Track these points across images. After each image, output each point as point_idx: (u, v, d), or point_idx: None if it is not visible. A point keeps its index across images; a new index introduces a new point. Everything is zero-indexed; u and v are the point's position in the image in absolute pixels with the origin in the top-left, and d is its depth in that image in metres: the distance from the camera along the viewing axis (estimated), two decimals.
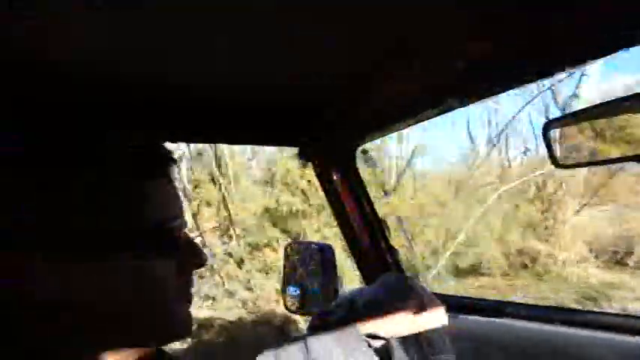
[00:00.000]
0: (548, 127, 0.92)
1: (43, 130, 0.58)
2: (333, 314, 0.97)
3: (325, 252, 1.20)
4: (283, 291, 1.19)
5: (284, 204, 7.65)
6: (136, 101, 1.01)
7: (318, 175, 1.45)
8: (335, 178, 1.43)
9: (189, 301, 0.67)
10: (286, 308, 1.16)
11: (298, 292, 1.15)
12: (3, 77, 0.80)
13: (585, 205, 9.18)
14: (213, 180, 8.62)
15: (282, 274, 1.23)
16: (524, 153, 11.05)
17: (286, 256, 1.22)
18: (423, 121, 1.11)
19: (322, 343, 0.88)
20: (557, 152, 0.94)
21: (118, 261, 0.57)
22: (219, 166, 8.48)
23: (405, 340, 1.07)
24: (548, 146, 0.92)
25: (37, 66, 0.79)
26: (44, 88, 0.86)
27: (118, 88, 0.94)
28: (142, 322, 0.61)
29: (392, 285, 0.98)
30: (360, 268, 1.51)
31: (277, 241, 7.78)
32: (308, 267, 1.18)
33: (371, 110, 1.18)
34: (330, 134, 1.35)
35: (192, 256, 0.66)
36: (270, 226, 7.94)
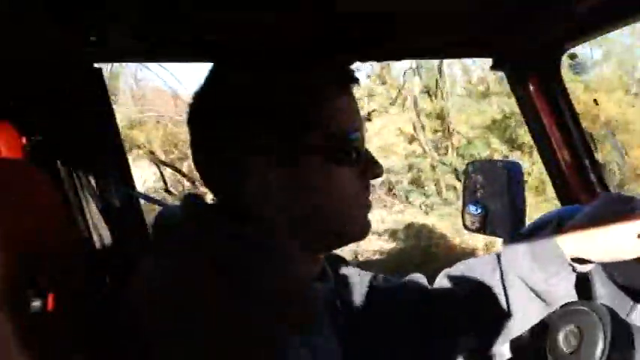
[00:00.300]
0: None
1: None
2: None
3: (512, 170, 1.12)
4: (463, 209, 1.15)
5: (510, 115, 7.15)
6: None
7: (513, 87, 1.32)
8: (532, 89, 1.29)
9: (369, 207, 0.73)
10: (465, 227, 1.13)
11: (480, 211, 1.11)
12: None
13: None
14: (428, 92, 8.47)
15: (462, 192, 1.19)
16: None
17: (467, 174, 1.17)
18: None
19: (517, 255, 0.84)
20: None
21: (311, 165, 0.65)
22: (437, 78, 8.24)
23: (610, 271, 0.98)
24: None
25: None
26: None
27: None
28: (330, 223, 0.69)
29: (613, 203, 0.87)
30: (556, 188, 1.38)
31: (501, 153, 7.46)
32: (492, 186, 1.11)
33: (580, 8, 1.03)
34: (528, 38, 1.21)
35: (371, 167, 0.72)
36: (493, 137, 7.60)
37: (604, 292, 1.01)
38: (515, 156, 6.79)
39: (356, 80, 0.71)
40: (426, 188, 8.01)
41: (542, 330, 1.00)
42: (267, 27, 0.89)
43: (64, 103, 0.93)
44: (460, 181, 6.05)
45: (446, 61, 8.04)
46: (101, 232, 0.87)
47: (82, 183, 0.87)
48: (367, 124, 7.70)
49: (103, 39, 0.92)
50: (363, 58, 1.13)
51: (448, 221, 7.10)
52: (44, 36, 0.84)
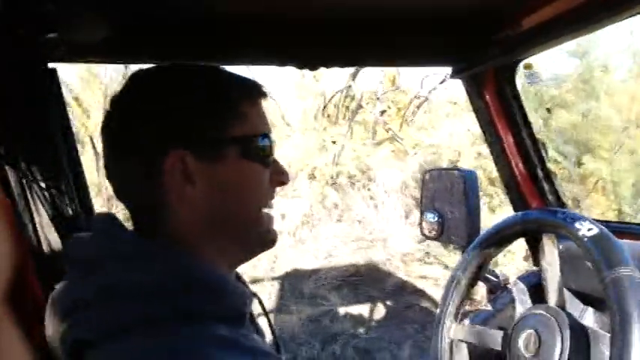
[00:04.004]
0: None
1: None
2: None
3: (468, 178, 1.15)
4: (421, 217, 1.17)
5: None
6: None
7: (470, 96, 1.35)
8: (488, 98, 1.32)
9: (272, 217, 0.76)
10: (423, 234, 1.15)
11: (437, 219, 1.13)
12: None
13: None
14: None
15: (420, 201, 1.21)
16: None
17: (424, 183, 1.19)
18: (597, 30, 1.03)
19: None
20: None
21: (228, 158, 0.69)
22: None
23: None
24: None
25: None
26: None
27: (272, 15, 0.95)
28: (242, 223, 0.71)
29: None
30: (510, 195, 1.42)
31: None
32: (449, 194, 1.14)
33: (535, 21, 1.07)
34: (485, 49, 1.24)
35: (279, 174, 0.76)
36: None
37: (557, 296, 1.04)
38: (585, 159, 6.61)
39: (264, 94, 0.75)
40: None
41: (502, 336, 1.03)
42: None
43: (14, 104, 0.90)
44: None
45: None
46: (51, 241, 0.84)
47: (32, 189, 0.84)
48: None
49: (58, 38, 0.89)
50: (325, 64, 1.13)
51: None
52: None
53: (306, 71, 1.16)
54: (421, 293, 5.32)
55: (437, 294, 5.30)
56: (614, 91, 5.97)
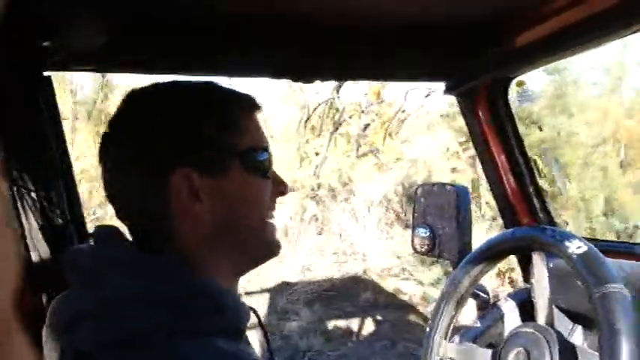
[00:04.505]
0: None
1: None
2: None
3: (460, 194, 1.15)
4: (413, 231, 1.17)
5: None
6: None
7: (463, 112, 1.36)
8: (481, 114, 1.33)
9: (275, 226, 0.77)
10: (414, 249, 1.15)
11: (428, 234, 1.13)
12: None
13: None
14: None
15: (412, 216, 1.21)
16: None
17: (416, 197, 1.19)
18: (592, 49, 1.04)
19: None
20: None
21: (230, 173, 0.69)
22: None
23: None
24: None
25: None
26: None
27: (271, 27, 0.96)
28: (247, 233, 0.72)
29: None
30: (501, 211, 1.43)
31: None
32: (441, 209, 1.14)
33: (529, 38, 1.08)
34: (479, 66, 1.25)
35: (279, 185, 0.77)
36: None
37: (546, 314, 1.05)
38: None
39: (259, 107, 0.76)
40: None
41: (492, 354, 1.03)
42: None
43: (8, 111, 0.90)
44: None
45: None
46: (40, 250, 0.83)
47: (22, 197, 0.84)
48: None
49: (54, 46, 0.89)
50: (320, 77, 1.14)
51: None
52: None
53: (292, 83, 1.17)
54: (394, 309, 5.29)
55: (409, 310, 5.28)
56: (586, 107, 6.04)
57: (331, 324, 5.03)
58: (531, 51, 1.12)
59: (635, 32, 0.92)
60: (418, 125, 7.64)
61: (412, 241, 1.17)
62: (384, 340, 4.75)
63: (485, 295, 1.18)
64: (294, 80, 1.11)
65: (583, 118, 5.86)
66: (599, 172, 5.61)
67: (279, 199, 0.79)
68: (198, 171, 0.67)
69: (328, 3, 0.92)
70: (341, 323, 5.05)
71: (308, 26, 1.01)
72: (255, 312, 0.79)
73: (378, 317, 5.13)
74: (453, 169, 6.36)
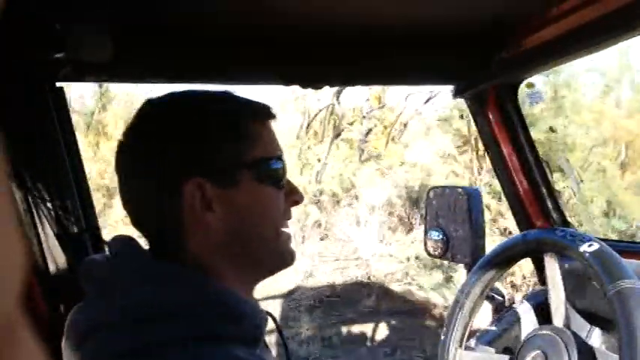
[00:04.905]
0: None
1: None
2: None
3: (473, 196, 1.15)
4: (425, 235, 1.17)
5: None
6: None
7: (473, 115, 1.36)
8: (491, 116, 1.33)
9: (289, 235, 0.77)
10: (427, 253, 1.15)
11: (441, 237, 1.13)
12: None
13: None
14: (462, 116, 8.05)
15: (424, 219, 1.21)
16: None
17: (428, 200, 1.19)
18: (598, 51, 1.04)
19: None
20: None
21: (243, 183, 0.69)
22: None
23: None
24: None
25: None
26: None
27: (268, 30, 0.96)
28: (262, 244, 0.72)
29: None
30: (514, 213, 1.42)
31: None
32: (454, 212, 1.14)
33: (536, 42, 1.08)
34: (488, 69, 1.25)
35: (293, 193, 0.76)
36: None
37: (563, 316, 1.04)
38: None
39: (273, 116, 0.76)
40: None
41: (509, 359, 1.02)
42: None
43: (22, 122, 0.91)
44: (495, 198, 5.92)
45: None
46: (56, 259, 0.84)
47: (37, 206, 0.85)
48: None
49: (66, 58, 0.90)
50: (328, 83, 1.14)
51: None
52: (2, 52, 0.82)
53: (296, 89, 1.18)
54: (396, 314, 5.26)
55: (411, 315, 5.24)
56: (580, 109, 6.00)
57: (333, 330, 5.00)
58: (538, 54, 1.13)
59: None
60: (417, 130, 7.65)
61: (425, 244, 1.17)
62: (385, 346, 4.72)
63: (500, 298, 1.17)
64: (304, 87, 1.11)
65: (579, 120, 5.84)
66: (599, 173, 5.59)
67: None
68: (210, 181, 0.67)
69: (340, 9, 0.92)
70: (342, 329, 5.03)
71: (318, 33, 1.02)
72: (272, 317, 0.79)
73: (380, 323, 5.10)
74: (449, 174, 6.34)
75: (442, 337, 1.14)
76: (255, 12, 0.93)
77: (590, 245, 0.91)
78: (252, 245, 0.72)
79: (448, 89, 1.31)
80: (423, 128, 7.57)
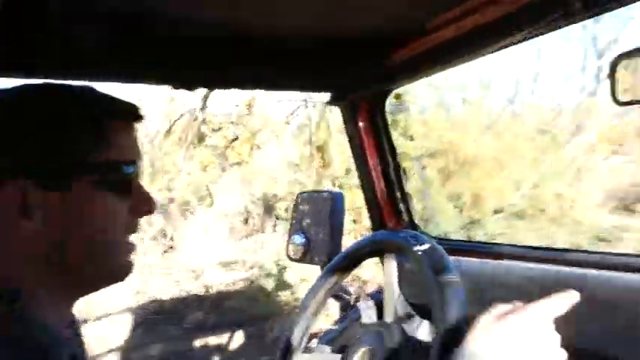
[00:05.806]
0: (617, 60, 0.85)
1: None
2: None
3: (336, 199, 1.21)
4: (288, 239, 1.22)
5: None
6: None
7: (345, 122, 1.43)
8: (361, 124, 1.41)
9: (132, 246, 0.72)
10: (288, 257, 1.20)
11: (303, 240, 1.18)
12: None
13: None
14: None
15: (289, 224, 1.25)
16: None
17: (296, 205, 1.24)
18: (464, 63, 1.11)
19: None
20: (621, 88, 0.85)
21: (79, 187, 0.63)
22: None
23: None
24: (613, 81, 0.85)
25: None
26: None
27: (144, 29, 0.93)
28: (91, 257, 0.66)
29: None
30: (370, 214, 1.54)
31: None
32: (317, 215, 1.20)
33: (410, 53, 1.15)
34: (364, 78, 1.32)
35: (143, 203, 0.71)
36: None
37: (393, 312, 1.10)
38: None
39: (139, 118, 0.71)
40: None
41: (341, 357, 1.08)
42: None
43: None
44: None
45: None
46: None
47: None
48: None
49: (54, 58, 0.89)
50: (203, 85, 1.12)
51: None
52: None
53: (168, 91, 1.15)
54: (226, 327, 5.20)
55: (248, 325, 5.20)
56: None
57: (153, 350, 4.84)
58: (412, 65, 1.18)
59: (502, 48, 1.01)
60: (275, 137, 7.68)
61: (287, 248, 1.22)
62: None
63: (347, 297, 1.26)
64: (175, 88, 1.07)
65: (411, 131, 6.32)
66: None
67: None
68: (35, 183, 0.61)
69: (220, 11, 0.91)
70: (164, 348, 4.87)
71: (197, 33, 0.99)
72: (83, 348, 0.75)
73: (205, 339, 5.02)
74: (294, 182, 6.49)
75: (282, 340, 1.14)
76: (135, 12, 0.89)
77: (422, 245, 0.97)
78: (76, 258, 0.65)
79: (324, 97, 1.36)
80: (288, 136, 7.60)
